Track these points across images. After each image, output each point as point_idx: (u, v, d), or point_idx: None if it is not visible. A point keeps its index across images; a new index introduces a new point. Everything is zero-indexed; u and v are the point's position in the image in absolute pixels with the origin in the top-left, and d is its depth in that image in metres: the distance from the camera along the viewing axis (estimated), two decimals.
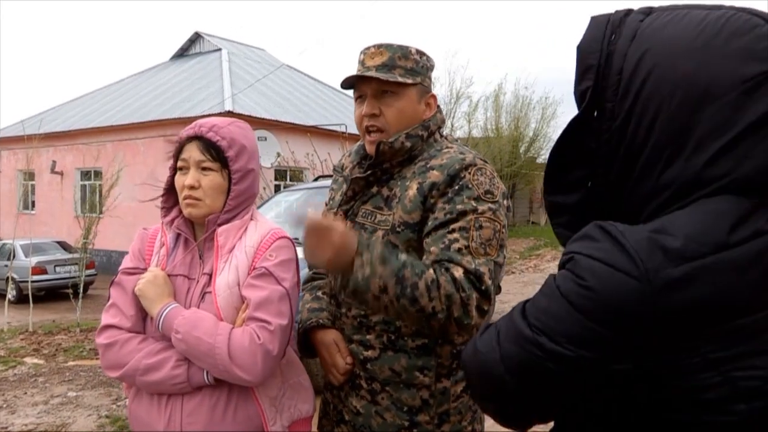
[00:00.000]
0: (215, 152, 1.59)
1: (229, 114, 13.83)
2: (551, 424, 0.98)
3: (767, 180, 0.78)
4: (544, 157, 31.20)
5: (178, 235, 1.68)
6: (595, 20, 0.94)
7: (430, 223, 1.57)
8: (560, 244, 0.95)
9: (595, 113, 0.91)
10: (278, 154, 12.93)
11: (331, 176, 7.78)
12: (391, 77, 1.64)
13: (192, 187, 1.58)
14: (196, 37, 21.78)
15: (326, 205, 1.92)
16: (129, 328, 1.59)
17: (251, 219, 1.66)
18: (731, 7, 0.84)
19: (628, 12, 0.92)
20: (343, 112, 19.72)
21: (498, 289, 1.69)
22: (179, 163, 1.62)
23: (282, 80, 20.23)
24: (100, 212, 10.03)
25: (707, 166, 0.80)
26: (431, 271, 1.47)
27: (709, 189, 0.80)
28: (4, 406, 5.33)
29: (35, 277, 11.36)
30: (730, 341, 0.76)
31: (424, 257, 1.55)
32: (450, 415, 1.64)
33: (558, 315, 0.81)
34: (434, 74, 1.86)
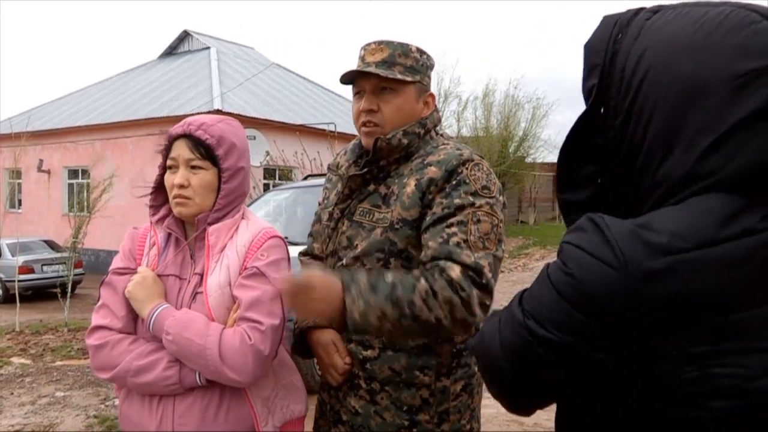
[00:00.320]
0: (204, 150, 1.57)
1: (218, 113, 13.74)
2: (553, 423, 1.00)
3: (757, 178, 0.78)
4: (533, 156, 31.31)
5: (169, 235, 1.67)
6: (605, 19, 0.95)
7: (428, 219, 1.57)
8: None
9: (602, 110, 0.92)
10: (267, 153, 12.88)
11: (320, 175, 7.72)
12: (391, 74, 1.65)
13: (182, 186, 1.56)
14: (185, 36, 21.59)
15: (320, 204, 1.91)
16: (120, 329, 1.58)
17: (242, 218, 1.65)
18: (733, 4, 0.84)
19: (638, 11, 0.93)
20: (333, 111, 19.69)
21: None
22: (168, 162, 1.60)
23: (271, 79, 20.14)
24: (89, 211, 9.94)
25: (698, 162, 0.80)
26: (423, 281, 1.46)
27: (700, 185, 0.80)
28: None
29: (22, 277, 11.30)
30: (716, 337, 0.75)
31: (422, 253, 1.55)
32: (450, 413, 1.64)
33: (547, 302, 0.83)
34: None
